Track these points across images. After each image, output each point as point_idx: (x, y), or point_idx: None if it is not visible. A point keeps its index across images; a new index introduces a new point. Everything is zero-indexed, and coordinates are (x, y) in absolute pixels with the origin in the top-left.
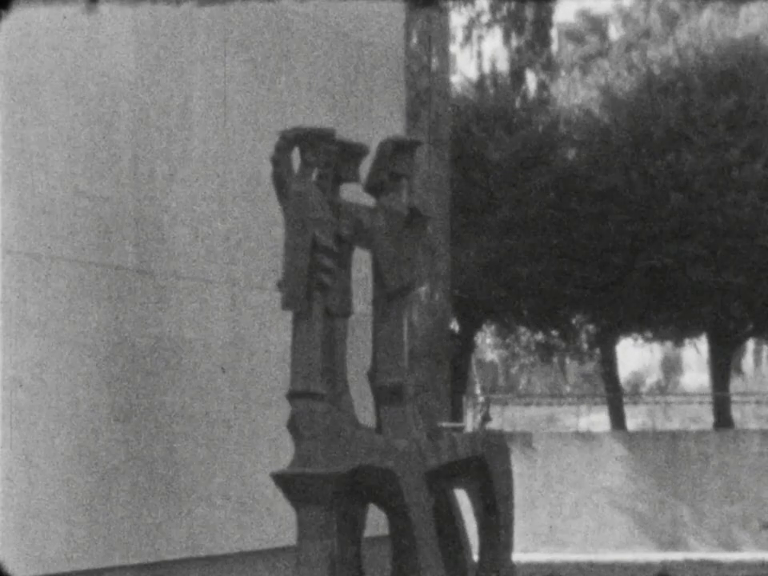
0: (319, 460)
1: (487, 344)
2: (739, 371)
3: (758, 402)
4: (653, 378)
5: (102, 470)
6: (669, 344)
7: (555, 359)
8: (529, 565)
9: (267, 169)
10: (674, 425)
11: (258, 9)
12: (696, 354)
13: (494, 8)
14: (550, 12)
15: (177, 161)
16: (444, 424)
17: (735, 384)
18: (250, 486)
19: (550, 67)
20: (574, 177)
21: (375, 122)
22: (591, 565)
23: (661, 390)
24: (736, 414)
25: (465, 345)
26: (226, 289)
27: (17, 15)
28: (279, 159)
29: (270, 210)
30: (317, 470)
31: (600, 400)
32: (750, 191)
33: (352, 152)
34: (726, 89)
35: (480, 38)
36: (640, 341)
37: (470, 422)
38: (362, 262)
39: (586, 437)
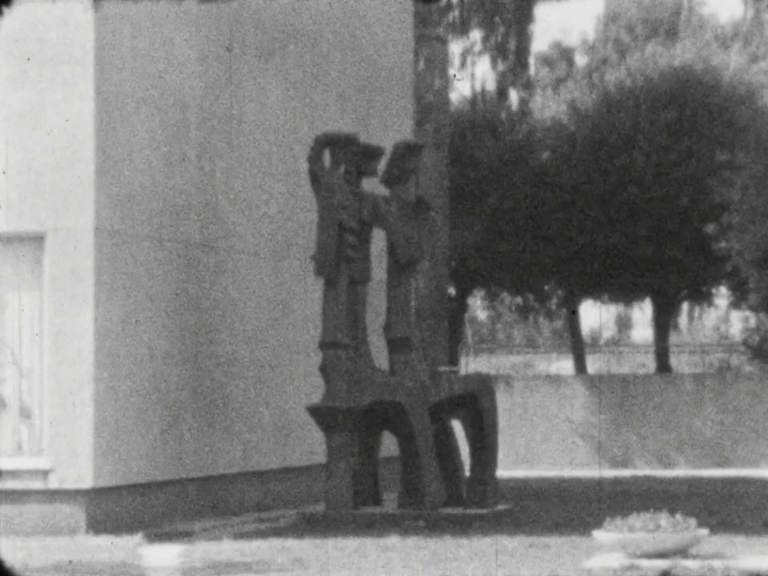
0: (344, 396)
1: (477, 305)
2: (676, 327)
3: (690, 352)
4: (608, 332)
5: (173, 402)
6: (621, 305)
7: (531, 317)
8: (509, 480)
9: (304, 165)
10: (625, 370)
11: (297, 38)
12: (642, 314)
13: (484, 40)
14: (528, 43)
15: (233, 159)
16: (442, 368)
17: (673, 338)
18: (290, 416)
19: (528, 87)
20: (546, 173)
21: (390, 128)
22: (558, 479)
23: (614, 342)
24: (673, 361)
25: (459, 306)
26: (270, 260)
27: (106, 43)
28: (314, 158)
29: (306, 198)
30: (342, 404)
31: (566, 350)
32: (686, 185)
33: (371, 152)
34: (667, 104)
35: (473, 63)
36: (598, 302)
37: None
38: (379, 240)
39: (555, 379)
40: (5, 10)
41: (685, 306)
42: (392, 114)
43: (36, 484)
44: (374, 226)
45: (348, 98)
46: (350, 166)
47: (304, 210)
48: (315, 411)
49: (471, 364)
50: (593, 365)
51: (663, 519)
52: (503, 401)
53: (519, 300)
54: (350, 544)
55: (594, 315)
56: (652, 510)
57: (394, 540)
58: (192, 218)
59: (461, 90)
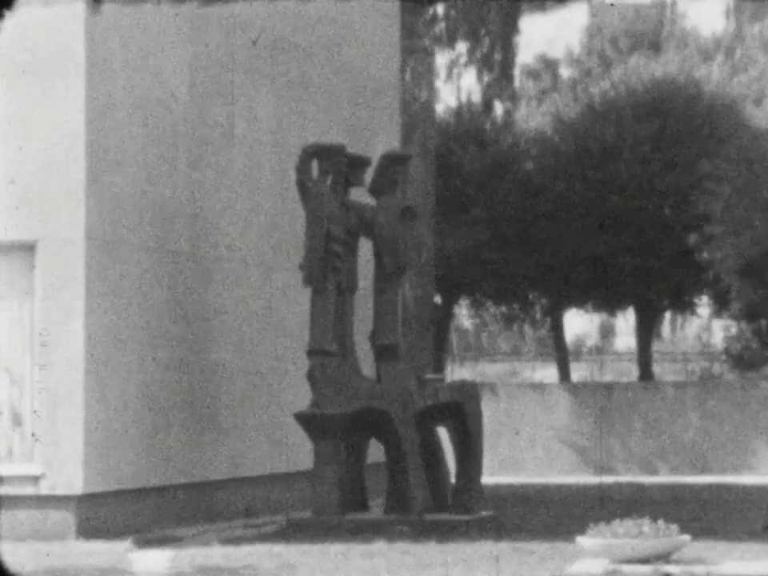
0: (331, 403)
1: (463, 314)
2: (659, 336)
3: (673, 361)
4: (592, 340)
5: (162, 409)
6: (604, 314)
7: (516, 326)
8: (494, 486)
9: (292, 176)
10: (608, 377)
11: (285, 50)
12: (625, 322)
13: (470, 52)
14: (513, 55)
15: (222, 169)
16: (428, 376)
17: (656, 346)
18: (277, 422)
19: (513, 98)
20: (531, 184)
21: (377, 139)
22: (542, 486)
23: (598, 350)
24: (656, 369)
25: (445, 314)
26: (259, 269)
27: (97, 53)
28: (301, 168)
29: (294, 208)
30: (329, 410)
31: (550, 358)
32: (669, 196)
33: (358, 162)
34: (651, 116)
35: (459, 75)
36: (582, 311)
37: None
38: (366, 249)
39: (539, 387)
40: (6, 12)
41: (667, 314)
42: (379, 124)
43: (27, 490)
44: (362, 235)
45: (336, 108)
46: (337, 176)
47: (292, 220)
48: (302, 418)
49: (456, 372)
50: (576, 372)
51: (646, 525)
52: (488, 408)
53: (504, 309)
54: (337, 550)
55: (577, 323)
56: (635, 516)
57: (380, 546)
58: (181, 227)
59: (447, 101)
